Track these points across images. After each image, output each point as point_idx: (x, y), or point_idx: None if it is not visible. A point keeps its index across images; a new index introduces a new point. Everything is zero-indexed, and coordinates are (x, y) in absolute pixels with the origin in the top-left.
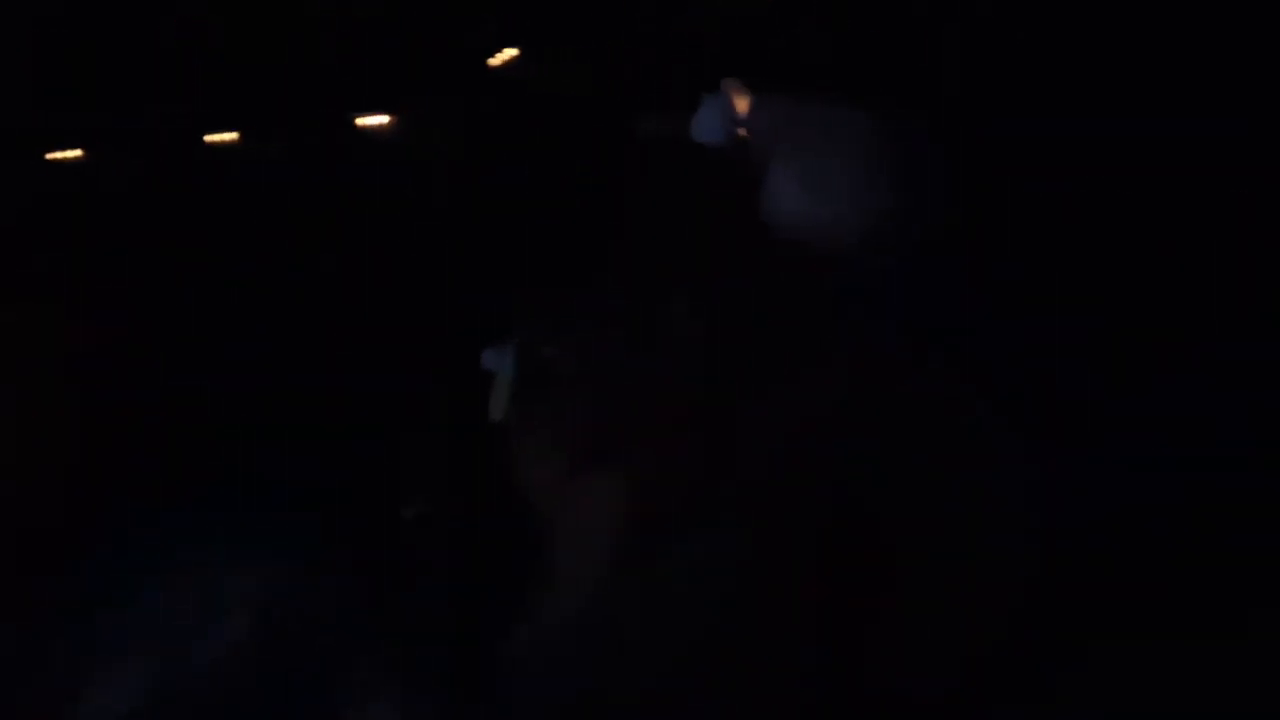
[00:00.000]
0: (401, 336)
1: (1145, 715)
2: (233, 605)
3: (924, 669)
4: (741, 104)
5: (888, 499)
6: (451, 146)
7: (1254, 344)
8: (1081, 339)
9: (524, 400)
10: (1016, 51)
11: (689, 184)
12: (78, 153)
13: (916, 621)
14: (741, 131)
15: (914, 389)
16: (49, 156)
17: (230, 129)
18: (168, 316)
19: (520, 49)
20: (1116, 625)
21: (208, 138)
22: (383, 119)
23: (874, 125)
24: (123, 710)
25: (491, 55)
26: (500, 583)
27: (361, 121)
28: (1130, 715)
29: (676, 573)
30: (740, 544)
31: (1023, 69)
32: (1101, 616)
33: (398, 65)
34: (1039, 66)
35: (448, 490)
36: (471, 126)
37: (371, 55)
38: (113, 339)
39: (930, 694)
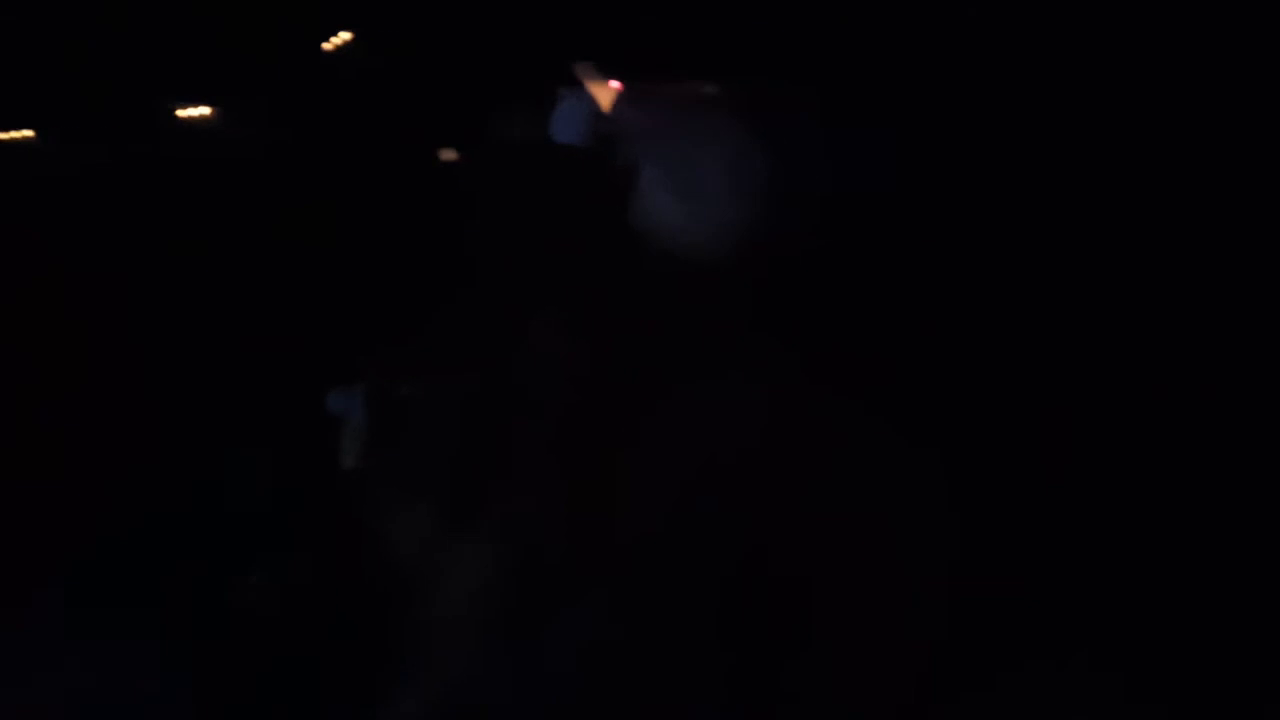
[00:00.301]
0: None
1: None
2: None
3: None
4: (605, 97)
5: (792, 540)
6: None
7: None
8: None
9: (378, 446)
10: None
11: (549, 189)
12: None
13: (829, 671)
14: (605, 129)
15: (804, 412)
16: None
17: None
18: None
19: (355, 34)
20: (1031, 651)
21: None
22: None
23: (749, 118)
24: None
25: (325, 40)
26: (356, 660)
27: (184, 114)
28: None
29: (557, 650)
30: (628, 612)
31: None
32: (1016, 644)
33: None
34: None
35: (293, 553)
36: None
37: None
38: None
39: None
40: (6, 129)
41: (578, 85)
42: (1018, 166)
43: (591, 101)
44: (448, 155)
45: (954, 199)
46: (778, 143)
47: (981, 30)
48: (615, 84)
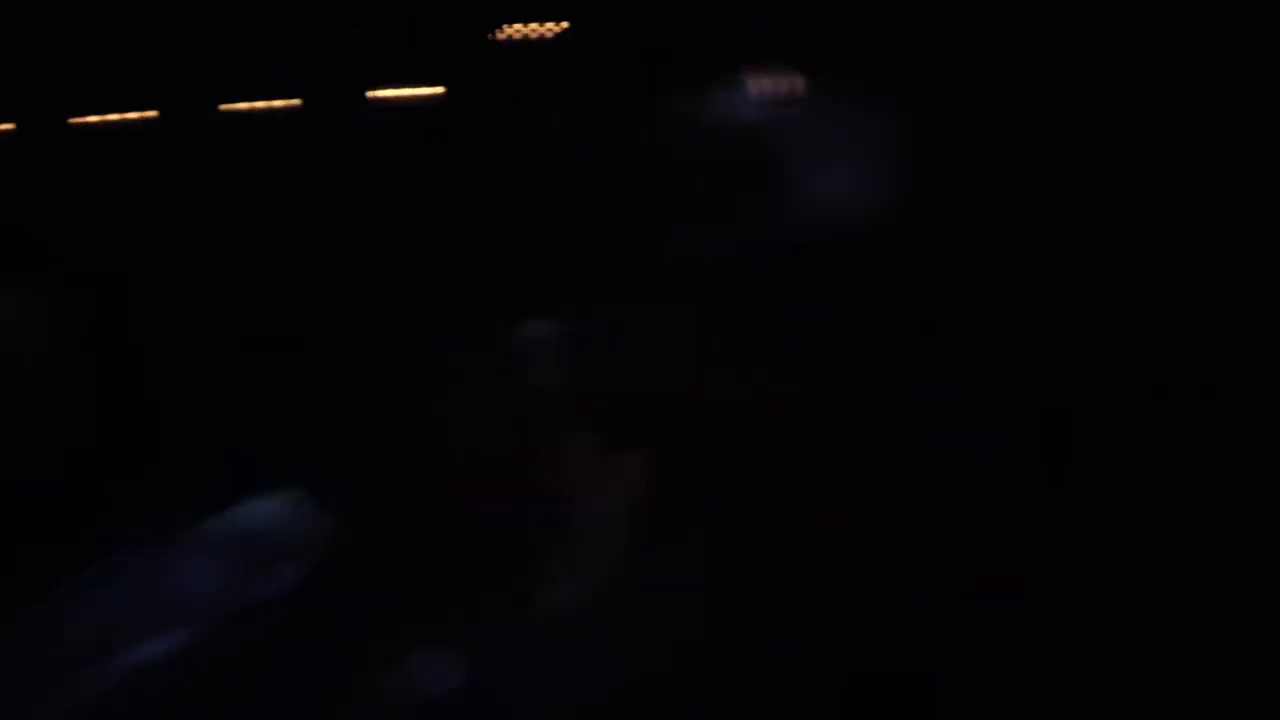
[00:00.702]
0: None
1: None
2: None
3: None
4: (768, 86)
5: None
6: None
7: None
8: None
9: (556, 378)
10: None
11: (716, 164)
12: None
13: (906, 606)
14: (770, 112)
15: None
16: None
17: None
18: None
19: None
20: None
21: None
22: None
23: (893, 111)
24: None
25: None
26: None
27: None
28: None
29: (685, 557)
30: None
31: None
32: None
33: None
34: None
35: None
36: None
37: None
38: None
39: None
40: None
41: (748, 73)
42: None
43: (753, 88)
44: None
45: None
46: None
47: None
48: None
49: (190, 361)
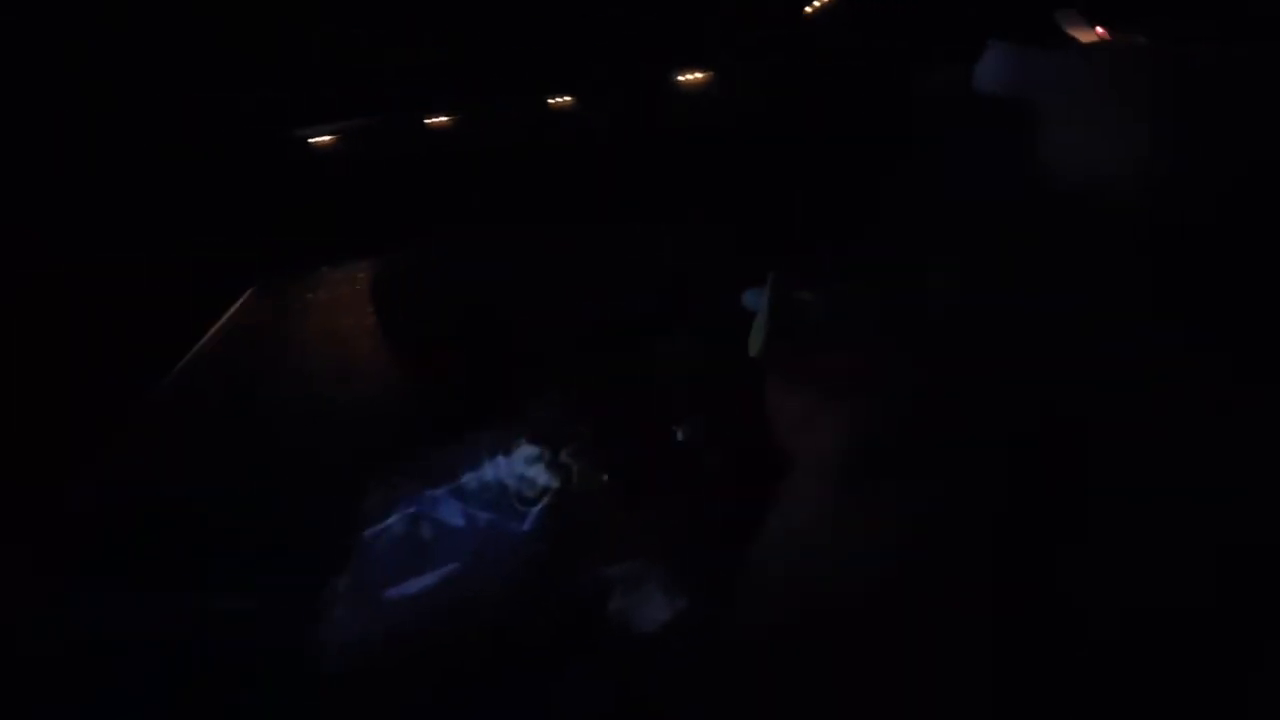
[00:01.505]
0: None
1: None
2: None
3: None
4: (1087, 39)
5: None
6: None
7: None
8: None
9: (777, 338)
10: None
11: (966, 132)
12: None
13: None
14: (1025, 79)
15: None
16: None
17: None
18: None
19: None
20: None
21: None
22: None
23: (1169, 76)
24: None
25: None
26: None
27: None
28: None
29: (888, 506)
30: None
31: None
32: None
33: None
34: None
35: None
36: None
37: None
38: None
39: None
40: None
41: (1000, 39)
42: None
43: (1013, 54)
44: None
45: None
46: (1193, 102)
47: None
48: (1100, 30)
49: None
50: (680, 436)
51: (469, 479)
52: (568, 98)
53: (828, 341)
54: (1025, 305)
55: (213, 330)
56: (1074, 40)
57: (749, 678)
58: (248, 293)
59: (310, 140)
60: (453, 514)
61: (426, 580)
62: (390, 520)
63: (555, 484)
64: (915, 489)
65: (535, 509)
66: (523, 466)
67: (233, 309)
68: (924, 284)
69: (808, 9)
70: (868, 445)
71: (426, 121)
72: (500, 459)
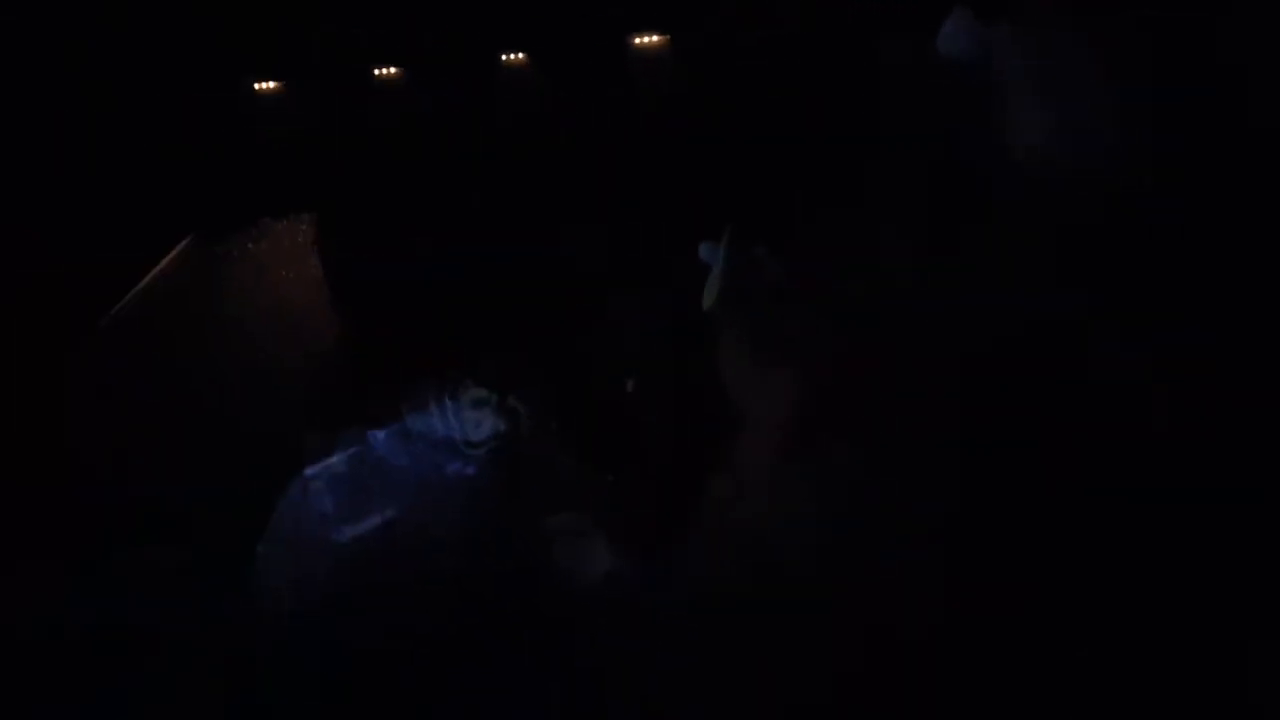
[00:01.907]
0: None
1: None
2: None
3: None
4: None
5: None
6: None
7: None
8: None
9: (731, 293)
10: None
11: (932, 99)
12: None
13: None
14: (987, 45)
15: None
16: None
17: None
18: None
19: None
20: None
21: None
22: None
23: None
24: None
25: None
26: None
27: None
28: None
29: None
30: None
31: None
32: None
33: None
34: None
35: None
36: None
37: None
38: None
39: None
40: None
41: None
42: None
43: (975, 20)
44: None
45: None
46: (1164, 72)
47: None
48: None
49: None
50: (630, 388)
51: (415, 421)
52: (521, 55)
53: (781, 298)
54: (984, 283)
55: (149, 277)
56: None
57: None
58: (186, 240)
59: (256, 87)
60: (397, 455)
61: (368, 521)
62: (332, 459)
63: (503, 428)
64: (864, 447)
65: (481, 453)
66: (470, 410)
67: (170, 255)
68: (877, 248)
69: None
70: (819, 402)
71: (376, 73)
72: (448, 402)
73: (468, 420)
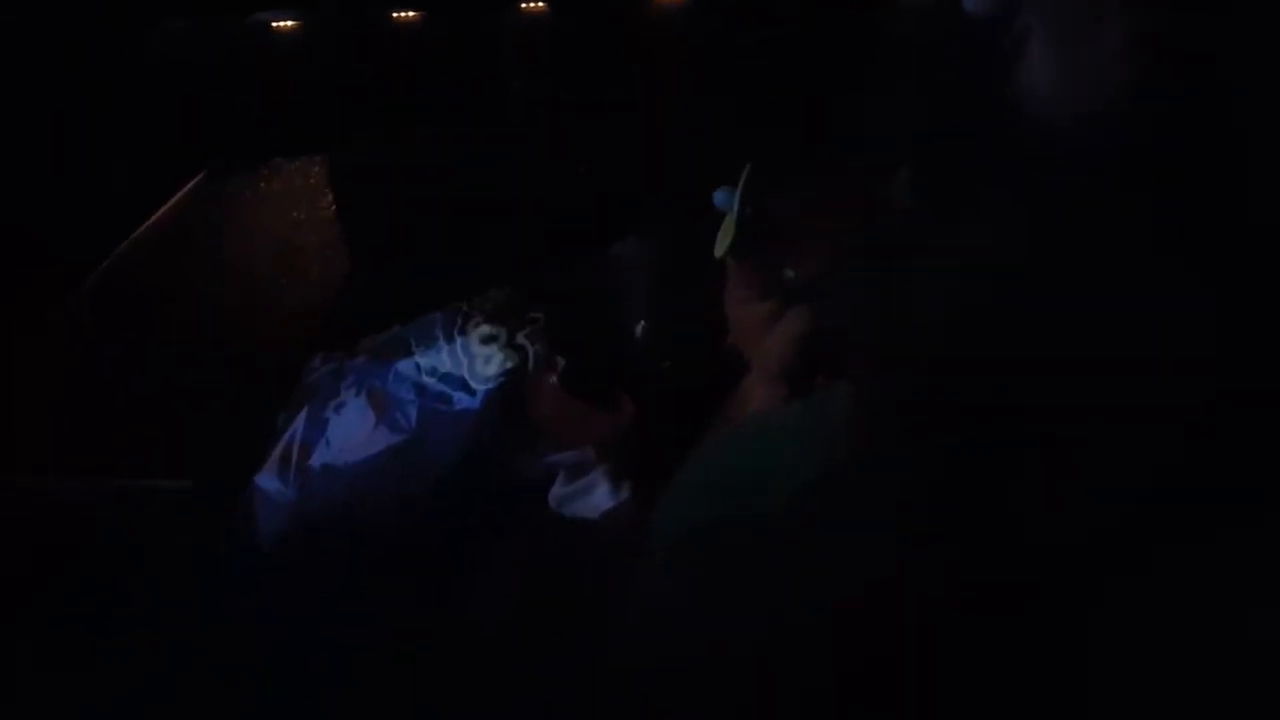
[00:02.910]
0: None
1: None
2: None
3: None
4: None
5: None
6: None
7: None
8: None
9: (744, 240)
10: None
11: (942, 58)
12: None
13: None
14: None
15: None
16: None
17: None
18: None
19: None
20: None
21: None
22: None
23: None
24: None
25: None
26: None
27: None
28: None
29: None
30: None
31: None
32: None
33: None
34: None
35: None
36: None
37: None
38: None
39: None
40: None
41: None
42: None
43: None
44: None
45: None
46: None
47: None
48: None
49: None
50: (637, 332)
51: (422, 354)
52: (540, 2)
53: (792, 246)
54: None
55: (160, 212)
56: None
57: (686, 572)
58: (199, 176)
59: (273, 25)
60: (403, 387)
61: (370, 449)
62: (336, 391)
63: (510, 365)
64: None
65: (487, 388)
66: (478, 346)
67: (181, 192)
68: (890, 201)
69: None
70: (823, 352)
71: (394, 16)
72: (456, 336)
73: (476, 356)
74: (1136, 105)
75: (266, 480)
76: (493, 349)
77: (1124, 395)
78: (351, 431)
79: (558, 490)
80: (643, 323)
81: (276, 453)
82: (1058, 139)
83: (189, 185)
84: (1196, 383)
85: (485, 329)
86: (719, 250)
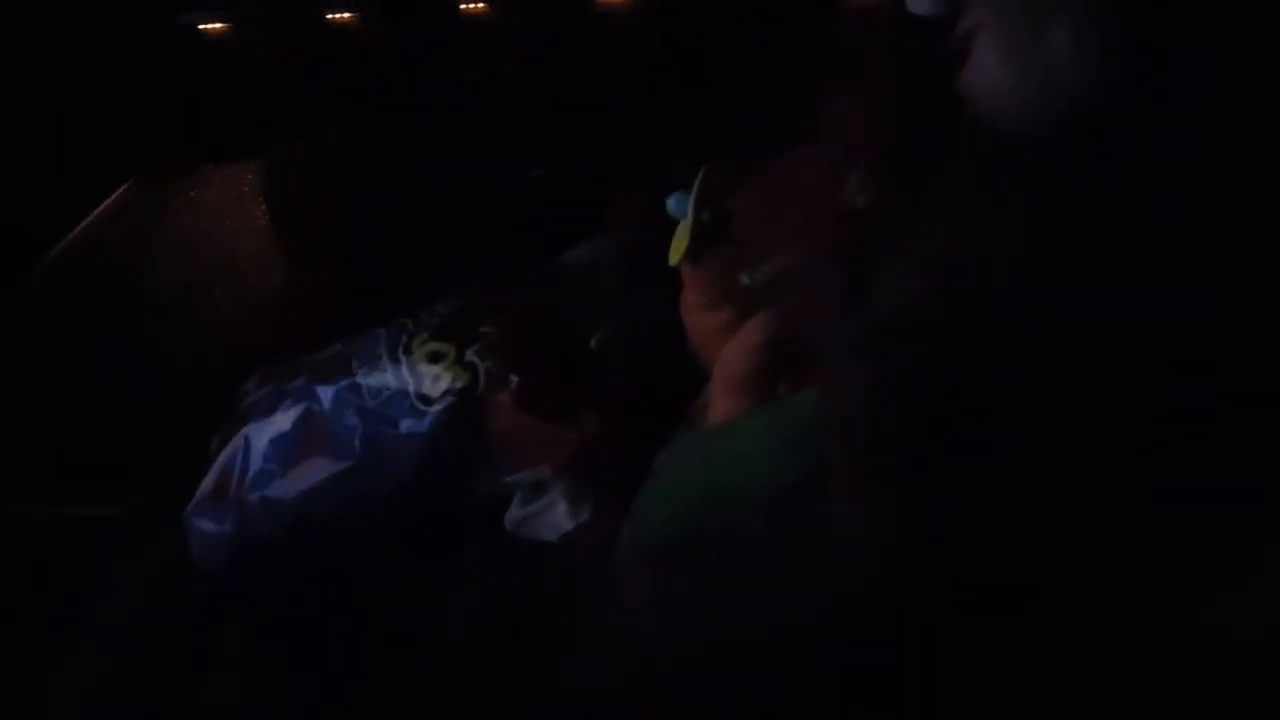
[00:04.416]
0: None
1: None
2: None
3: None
4: None
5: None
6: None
7: None
8: None
9: (700, 247)
10: None
11: (890, 59)
12: None
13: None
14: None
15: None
16: None
17: None
18: None
19: None
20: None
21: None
22: None
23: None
24: None
25: None
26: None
27: None
28: None
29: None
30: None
31: None
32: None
33: None
34: None
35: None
36: None
37: None
38: None
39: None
40: None
41: None
42: None
43: None
44: None
45: None
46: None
47: None
48: None
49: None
50: (593, 344)
51: (364, 374)
52: (481, 4)
53: (749, 250)
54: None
55: (84, 223)
56: None
57: (651, 589)
58: (126, 184)
59: (201, 27)
60: (345, 410)
61: (312, 478)
62: (274, 414)
63: (460, 384)
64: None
65: (436, 409)
66: (425, 364)
67: (107, 201)
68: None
69: None
70: (785, 360)
71: (328, 17)
72: (401, 354)
73: (423, 376)
74: (1083, 101)
75: (199, 514)
76: (440, 368)
77: (1089, 393)
78: (291, 459)
79: (515, 512)
80: (599, 333)
81: (210, 483)
82: (1008, 136)
83: (115, 194)
84: (1153, 381)
85: (432, 346)
86: (674, 258)
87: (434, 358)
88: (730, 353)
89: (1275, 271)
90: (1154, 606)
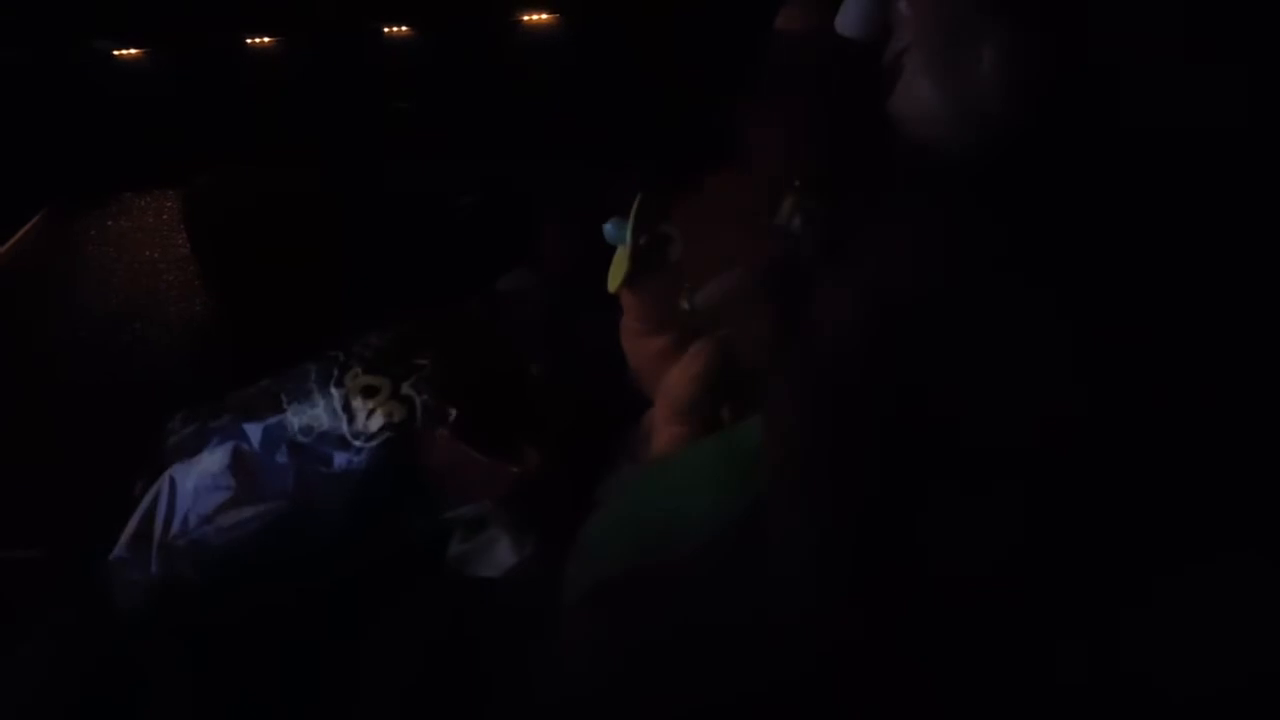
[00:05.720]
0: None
1: None
2: None
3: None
4: None
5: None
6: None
7: None
8: None
9: (638, 273)
10: None
11: (819, 81)
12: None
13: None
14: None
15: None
16: None
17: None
18: None
19: None
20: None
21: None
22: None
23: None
24: None
25: None
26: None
27: None
28: None
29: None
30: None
31: None
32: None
33: None
34: None
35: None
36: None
37: None
38: None
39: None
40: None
41: None
42: None
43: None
44: None
45: None
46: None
47: None
48: None
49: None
50: (534, 373)
51: (295, 410)
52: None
53: (688, 276)
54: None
55: None
56: None
57: (595, 624)
58: (38, 216)
59: (115, 53)
60: (275, 449)
61: (241, 520)
62: (200, 455)
63: (396, 418)
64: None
65: (372, 444)
66: (358, 400)
67: (18, 234)
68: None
69: None
70: (728, 385)
71: (248, 41)
72: (332, 389)
73: (356, 411)
74: (1011, 120)
75: (123, 558)
76: (375, 401)
77: (1026, 416)
78: (219, 501)
79: (456, 548)
80: (537, 363)
81: (133, 526)
82: (938, 156)
83: (27, 225)
84: (1091, 403)
85: (365, 380)
86: (613, 284)
87: (369, 392)
88: (672, 379)
89: (1207, 289)
90: (1110, 638)
